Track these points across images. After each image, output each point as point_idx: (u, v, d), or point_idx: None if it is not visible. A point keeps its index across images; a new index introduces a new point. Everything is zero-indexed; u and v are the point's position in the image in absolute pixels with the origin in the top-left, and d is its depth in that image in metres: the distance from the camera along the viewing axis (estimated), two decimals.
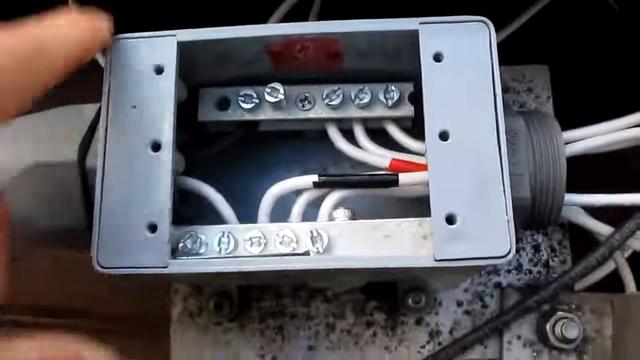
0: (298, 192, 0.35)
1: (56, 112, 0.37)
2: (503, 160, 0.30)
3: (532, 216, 0.35)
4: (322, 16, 0.52)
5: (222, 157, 0.40)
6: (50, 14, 0.27)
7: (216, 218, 0.34)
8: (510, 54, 0.47)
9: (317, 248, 0.31)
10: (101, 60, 0.35)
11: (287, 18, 0.49)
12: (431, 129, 0.30)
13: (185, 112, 0.35)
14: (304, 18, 0.51)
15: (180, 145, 0.34)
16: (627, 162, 0.45)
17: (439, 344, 0.44)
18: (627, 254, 0.45)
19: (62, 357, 0.25)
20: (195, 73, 0.35)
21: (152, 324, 0.53)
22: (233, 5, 0.59)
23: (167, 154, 0.31)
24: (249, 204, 0.35)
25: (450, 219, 0.29)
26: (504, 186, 0.29)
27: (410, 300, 0.43)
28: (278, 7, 0.48)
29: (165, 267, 0.30)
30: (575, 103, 0.48)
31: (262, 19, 0.47)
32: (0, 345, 0.23)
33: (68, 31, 0.27)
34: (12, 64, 0.24)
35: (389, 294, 0.44)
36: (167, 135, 0.31)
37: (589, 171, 0.41)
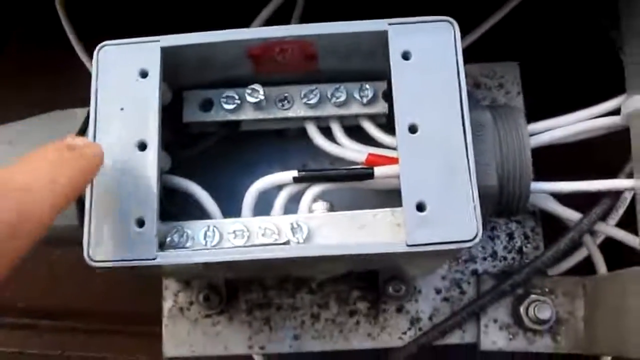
0: (279, 188, 0.36)
1: (49, 116, 0.39)
2: (469, 151, 0.32)
3: (501, 203, 0.37)
4: (304, 20, 0.53)
5: (206, 157, 0.41)
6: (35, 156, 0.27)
7: (201, 215, 0.36)
8: (482, 52, 0.49)
9: (297, 238, 0.33)
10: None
11: (269, 22, 0.51)
12: (401, 122, 0.32)
13: (170, 113, 0.37)
14: (286, 22, 0.53)
15: (166, 145, 0.36)
16: (592, 152, 0.47)
17: (420, 329, 0.46)
18: (599, 240, 0.47)
19: None
20: (179, 76, 0.36)
21: (148, 322, 0.54)
22: (215, 10, 0.61)
23: (153, 153, 0.33)
24: (232, 200, 0.37)
25: (420, 207, 0.31)
26: (470, 175, 0.31)
27: (390, 289, 0.45)
28: (260, 12, 0.50)
29: (154, 259, 0.31)
30: (544, 98, 0.50)
31: (244, 24, 0.49)
32: None
33: (52, 187, 0.27)
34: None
35: (370, 284, 0.46)
36: (152, 136, 0.33)
37: (556, 161, 0.43)
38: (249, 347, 0.46)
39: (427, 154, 0.32)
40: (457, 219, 0.31)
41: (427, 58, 0.33)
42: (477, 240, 0.30)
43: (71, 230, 0.36)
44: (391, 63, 0.33)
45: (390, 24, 0.34)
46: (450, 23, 0.34)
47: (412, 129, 0.32)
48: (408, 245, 0.31)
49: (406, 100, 0.33)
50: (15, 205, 0.25)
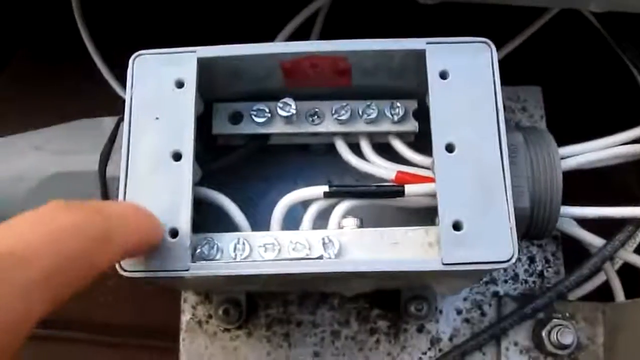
0: (306, 203, 0.36)
1: (76, 124, 0.39)
2: (505, 171, 0.32)
3: (530, 226, 0.37)
4: (324, 34, 0.54)
5: (230, 170, 0.41)
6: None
7: (223, 227, 0.35)
8: (504, 75, 0.50)
9: (329, 254, 0.33)
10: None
11: (292, 36, 0.51)
12: (438, 141, 0.32)
13: (200, 125, 0.37)
14: (307, 36, 0.53)
15: (195, 156, 0.36)
16: (608, 177, 0.47)
17: (440, 350, 0.46)
18: (617, 266, 0.47)
19: None
20: (211, 88, 0.36)
21: (157, 336, 0.54)
22: (241, 24, 0.61)
23: (187, 163, 0.33)
24: (256, 214, 0.37)
25: (456, 226, 0.31)
26: (506, 195, 0.31)
27: (412, 309, 0.44)
28: (284, 27, 0.50)
29: (187, 270, 0.31)
30: (566, 122, 0.50)
31: (268, 38, 0.49)
32: None
33: (132, 221, 0.26)
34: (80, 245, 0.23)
35: (392, 303, 0.46)
36: (187, 146, 0.33)
37: (575, 185, 0.43)
38: None
39: (463, 173, 0.32)
40: (493, 239, 0.31)
41: (465, 78, 0.33)
42: (512, 261, 0.30)
43: None
44: (429, 82, 0.33)
45: (428, 43, 0.34)
46: (488, 44, 0.34)
47: (449, 148, 0.32)
48: (444, 264, 0.31)
49: (443, 119, 0.33)
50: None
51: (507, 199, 0.31)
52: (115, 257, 0.26)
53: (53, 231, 0.23)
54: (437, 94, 0.33)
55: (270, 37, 0.50)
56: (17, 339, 0.21)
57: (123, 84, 0.51)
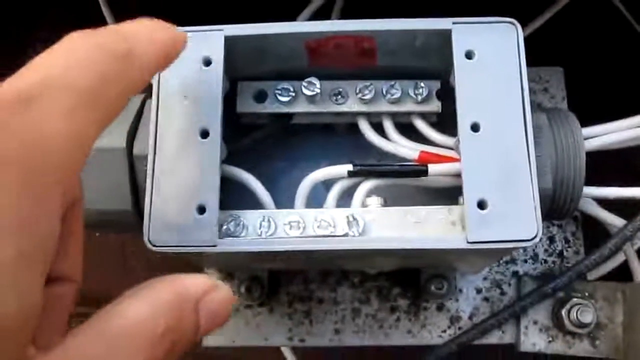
0: (328, 183, 0.37)
1: None
2: (530, 151, 0.32)
3: (552, 206, 0.37)
4: (344, 13, 0.54)
5: (254, 149, 0.41)
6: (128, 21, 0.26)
7: (247, 205, 0.35)
8: (526, 56, 0.49)
9: (353, 232, 0.33)
10: None
11: (312, 17, 0.51)
12: (463, 121, 0.33)
13: (225, 104, 0.37)
14: (327, 17, 0.53)
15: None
16: (630, 158, 0.47)
17: (459, 328, 0.47)
18: (636, 246, 0.48)
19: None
20: (236, 66, 0.37)
21: None
22: (260, 3, 0.61)
23: (215, 141, 0.33)
24: (279, 193, 0.37)
25: (481, 205, 0.31)
26: (531, 175, 0.32)
27: (432, 287, 0.45)
28: (305, 7, 0.50)
29: (215, 246, 0.32)
30: (587, 103, 0.50)
31: (288, 18, 0.50)
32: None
33: (155, 35, 0.26)
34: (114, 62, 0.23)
35: (412, 281, 0.46)
36: (215, 124, 0.33)
37: (597, 166, 0.43)
38: (289, 339, 0.47)
39: (488, 153, 0.32)
40: (517, 218, 0.31)
41: (490, 58, 0.33)
42: (537, 239, 0.31)
43: (124, 216, 0.37)
44: (455, 61, 0.33)
45: (454, 23, 0.34)
46: (514, 24, 0.34)
47: (475, 128, 0.33)
48: (468, 242, 0.31)
49: (469, 98, 0.33)
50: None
51: (531, 179, 0.32)
52: (144, 73, 0.25)
53: (81, 56, 0.23)
54: (463, 74, 0.33)
55: (290, 18, 0.50)
56: (78, 155, 0.22)
57: None
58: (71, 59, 0.22)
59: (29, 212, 0.20)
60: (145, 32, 0.26)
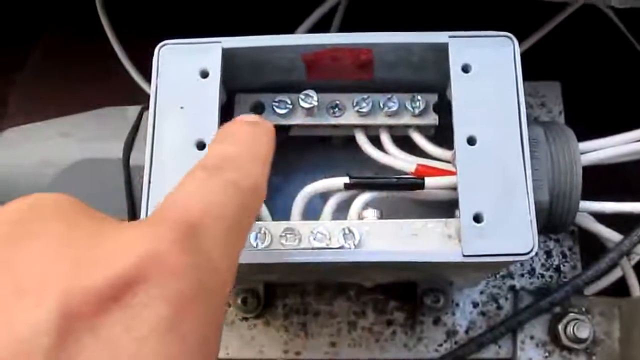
0: (325, 196, 0.37)
1: (102, 112, 0.39)
2: (526, 164, 0.32)
3: (549, 220, 0.37)
4: (343, 27, 0.54)
5: None
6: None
7: None
8: (523, 70, 0.50)
9: (349, 244, 0.33)
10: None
11: (311, 30, 0.51)
12: (460, 134, 0.33)
13: (222, 115, 0.37)
14: (326, 29, 0.53)
15: None
16: (627, 173, 0.47)
17: (455, 342, 0.46)
18: (633, 261, 0.47)
19: None
20: (234, 78, 0.37)
21: None
22: (260, 17, 0.62)
23: None
24: (275, 205, 0.37)
25: (477, 218, 0.31)
26: (527, 188, 0.32)
27: (428, 301, 0.45)
28: (304, 20, 0.50)
29: None
30: (585, 117, 0.50)
31: (287, 31, 0.50)
32: None
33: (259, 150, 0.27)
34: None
35: (408, 295, 0.46)
36: (211, 136, 0.33)
37: (594, 181, 0.43)
38: (285, 352, 0.47)
39: (485, 166, 0.32)
40: (513, 231, 0.31)
41: (487, 72, 0.34)
42: (532, 253, 0.31)
43: None
44: (451, 75, 0.33)
45: (450, 37, 0.34)
46: (510, 38, 0.34)
47: (471, 141, 0.33)
48: (464, 256, 0.31)
49: (465, 112, 0.33)
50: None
51: (527, 192, 0.32)
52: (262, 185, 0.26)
53: (214, 200, 0.23)
54: (459, 87, 0.33)
55: (289, 30, 0.50)
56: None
57: (144, 75, 0.52)
58: (207, 202, 0.23)
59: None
60: (249, 154, 0.27)
